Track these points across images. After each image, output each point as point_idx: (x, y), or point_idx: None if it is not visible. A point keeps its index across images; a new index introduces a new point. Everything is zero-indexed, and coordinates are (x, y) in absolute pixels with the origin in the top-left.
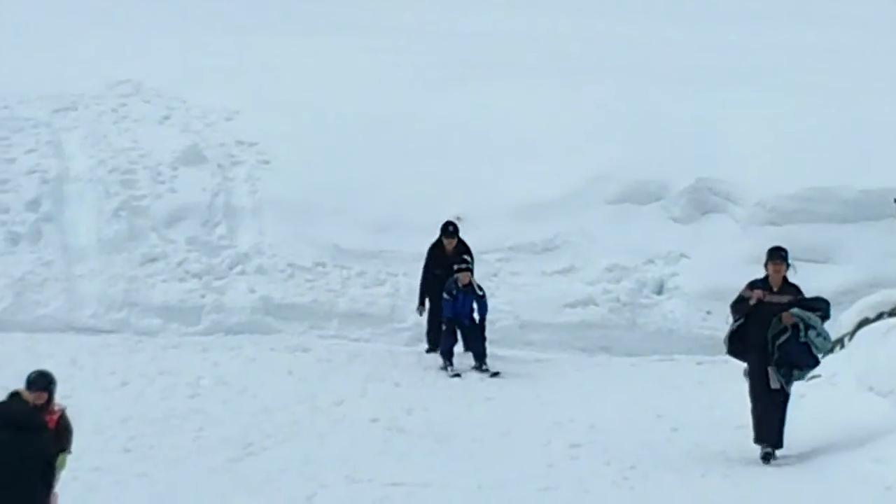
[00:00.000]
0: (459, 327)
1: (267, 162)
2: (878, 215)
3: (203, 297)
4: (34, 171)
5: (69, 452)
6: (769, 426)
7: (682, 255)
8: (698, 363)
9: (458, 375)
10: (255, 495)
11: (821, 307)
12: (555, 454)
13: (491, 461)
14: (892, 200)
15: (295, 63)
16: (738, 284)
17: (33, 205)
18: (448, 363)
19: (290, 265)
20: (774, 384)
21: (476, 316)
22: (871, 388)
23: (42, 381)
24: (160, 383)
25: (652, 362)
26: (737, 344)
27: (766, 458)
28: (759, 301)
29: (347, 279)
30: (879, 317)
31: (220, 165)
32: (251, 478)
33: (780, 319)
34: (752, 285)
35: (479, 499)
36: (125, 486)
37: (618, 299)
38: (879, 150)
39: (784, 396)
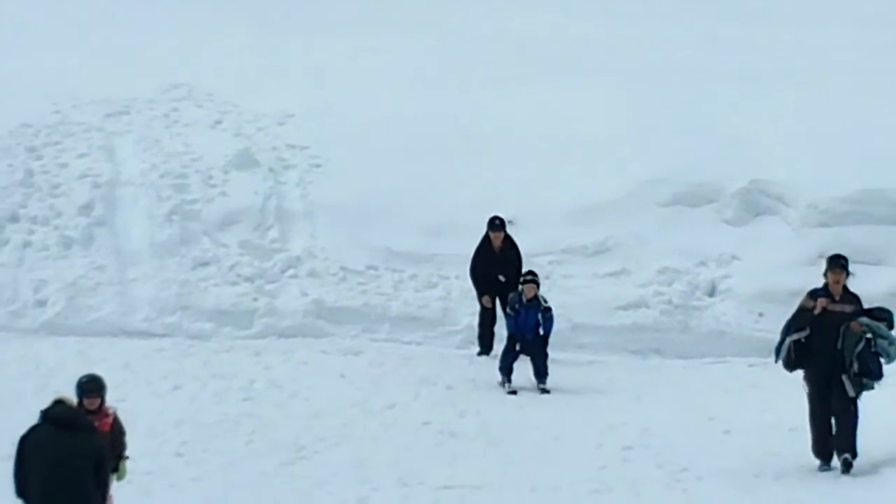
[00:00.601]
0: (522, 342)
1: (318, 165)
2: None
3: (255, 300)
4: (86, 176)
5: (127, 457)
6: (826, 441)
7: (734, 258)
8: (751, 365)
9: (514, 392)
10: (307, 499)
11: (885, 316)
12: (607, 457)
13: (543, 464)
14: None
15: (344, 65)
16: (791, 286)
17: (85, 209)
18: (506, 379)
19: (342, 268)
20: (851, 392)
21: (541, 331)
22: None
23: (93, 386)
24: (213, 387)
25: (704, 365)
26: (799, 355)
27: (824, 470)
28: (823, 310)
29: (400, 282)
30: None
31: (271, 169)
32: (304, 481)
33: (848, 328)
34: (814, 294)
35: (531, 501)
36: (179, 490)
37: (670, 301)
38: None
39: (855, 405)
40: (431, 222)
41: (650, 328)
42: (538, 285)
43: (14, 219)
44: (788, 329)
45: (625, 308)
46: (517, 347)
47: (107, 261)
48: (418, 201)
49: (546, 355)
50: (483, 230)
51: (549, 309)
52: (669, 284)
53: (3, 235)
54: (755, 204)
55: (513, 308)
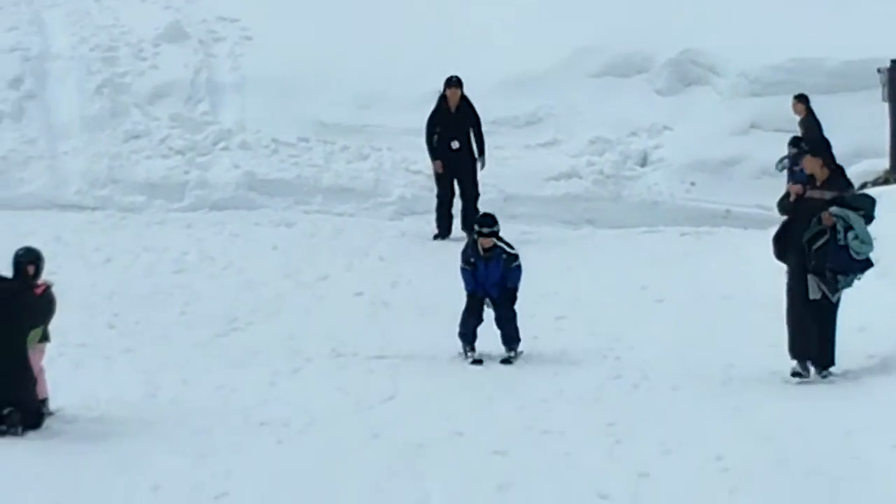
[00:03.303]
0: (485, 300)
1: (249, 38)
2: (862, 86)
3: (187, 173)
4: (16, 50)
5: (44, 325)
6: (803, 339)
7: (666, 128)
8: (682, 234)
9: (479, 362)
10: (240, 370)
11: (864, 205)
12: (540, 326)
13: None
14: (876, 71)
15: None
16: (722, 156)
17: (15, 83)
18: (468, 348)
19: (273, 141)
20: (814, 293)
21: (508, 284)
22: None
23: (29, 256)
24: (145, 259)
25: (636, 234)
26: (781, 245)
27: (797, 375)
28: (799, 197)
29: (331, 154)
30: (863, 187)
31: (201, 41)
32: (237, 352)
33: (819, 220)
34: (796, 180)
35: (462, 371)
36: (111, 362)
37: (601, 172)
38: (863, 20)
39: (830, 308)
40: (363, 94)
41: (582, 198)
42: (497, 235)
43: None
44: None
45: (556, 178)
46: (480, 307)
47: (37, 134)
48: (349, 73)
49: (514, 315)
50: (414, 101)
51: (515, 256)
52: (601, 154)
53: None
54: (686, 73)
55: (467, 261)
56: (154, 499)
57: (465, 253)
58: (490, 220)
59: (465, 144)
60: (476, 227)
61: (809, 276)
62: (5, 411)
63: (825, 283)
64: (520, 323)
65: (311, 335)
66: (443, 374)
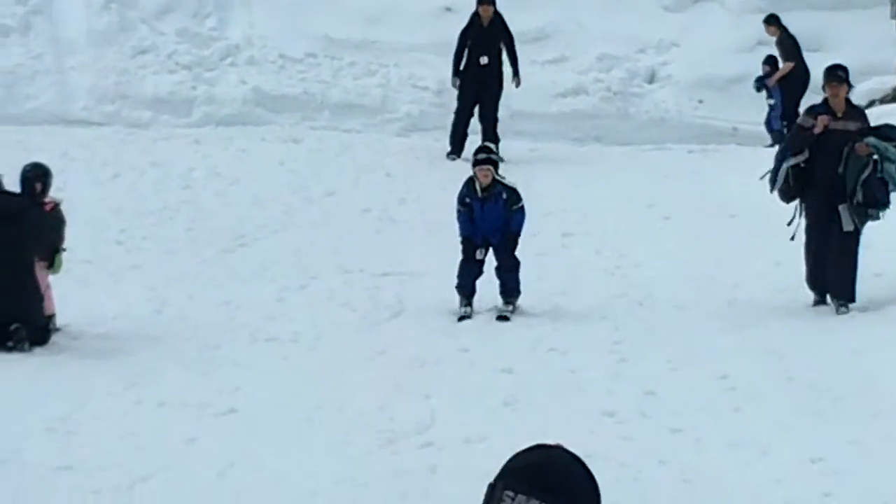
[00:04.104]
0: (484, 247)
1: None
2: (871, 3)
3: (194, 88)
4: None
5: (64, 249)
6: (822, 273)
7: (674, 44)
8: (690, 152)
9: (466, 317)
10: (247, 285)
11: (894, 136)
12: (546, 243)
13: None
14: None
15: None
16: (730, 73)
17: None
18: (465, 303)
19: (280, 56)
20: (848, 226)
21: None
22: None
23: (36, 171)
24: (152, 175)
25: (644, 151)
26: (798, 183)
27: (818, 304)
28: (824, 129)
29: (338, 70)
30: (871, 104)
31: None
32: (244, 268)
33: (852, 150)
34: (812, 111)
35: None
36: (118, 278)
37: (609, 88)
38: None
39: (855, 240)
40: (370, 9)
41: (589, 115)
42: (496, 166)
43: None
44: (784, 153)
45: (564, 95)
46: (479, 255)
47: (44, 49)
48: None
49: (516, 264)
50: (421, 17)
51: (517, 195)
52: (608, 71)
53: None
54: None
55: (463, 202)
56: (160, 414)
57: (460, 192)
58: (486, 147)
59: (495, 62)
60: (473, 157)
61: (842, 208)
62: (12, 327)
63: (858, 215)
64: (521, 250)
65: (318, 251)
66: (449, 291)
